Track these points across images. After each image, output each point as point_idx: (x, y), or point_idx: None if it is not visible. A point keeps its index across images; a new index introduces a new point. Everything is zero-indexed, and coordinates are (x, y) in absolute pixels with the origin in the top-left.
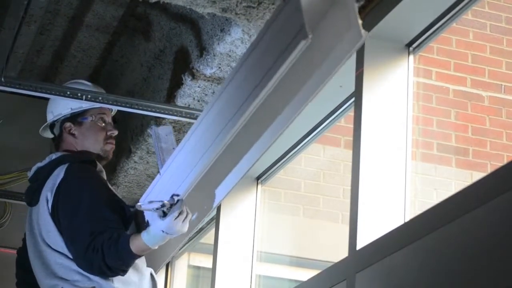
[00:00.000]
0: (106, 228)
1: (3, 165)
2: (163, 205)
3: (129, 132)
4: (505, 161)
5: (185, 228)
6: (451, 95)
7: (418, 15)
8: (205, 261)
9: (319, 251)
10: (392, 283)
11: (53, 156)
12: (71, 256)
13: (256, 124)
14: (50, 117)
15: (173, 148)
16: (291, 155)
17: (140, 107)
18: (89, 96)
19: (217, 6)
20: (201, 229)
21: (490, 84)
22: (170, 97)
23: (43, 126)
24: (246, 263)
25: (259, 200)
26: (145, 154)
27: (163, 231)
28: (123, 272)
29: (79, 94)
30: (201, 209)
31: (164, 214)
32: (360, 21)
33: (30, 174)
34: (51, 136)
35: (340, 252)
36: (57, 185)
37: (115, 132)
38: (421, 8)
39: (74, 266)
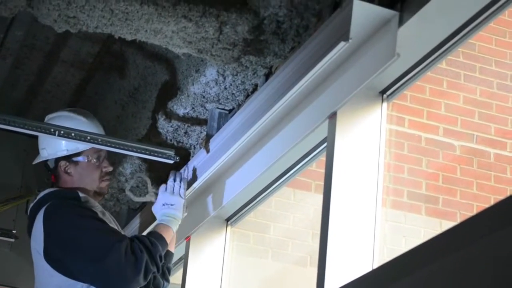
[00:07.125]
0: (124, 235)
1: None
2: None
3: None
4: (475, 211)
5: (182, 192)
6: (423, 143)
7: (393, 62)
8: None
9: None
10: None
11: (41, 194)
12: None
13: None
14: (44, 154)
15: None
16: (262, 198)
17: (116, 146)
18: (61, 132)
19: (193, 47)
20: None
21: (462, 134)
22: (144, 136)
23: (37, 160)
24: None
25: (228, 241)
26: (116, 192)
27: (163, 204)
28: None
29: (52, 130)
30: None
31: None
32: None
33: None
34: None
35: None
36: (43, 234)
37: (110, 169)
38: None
39: None
